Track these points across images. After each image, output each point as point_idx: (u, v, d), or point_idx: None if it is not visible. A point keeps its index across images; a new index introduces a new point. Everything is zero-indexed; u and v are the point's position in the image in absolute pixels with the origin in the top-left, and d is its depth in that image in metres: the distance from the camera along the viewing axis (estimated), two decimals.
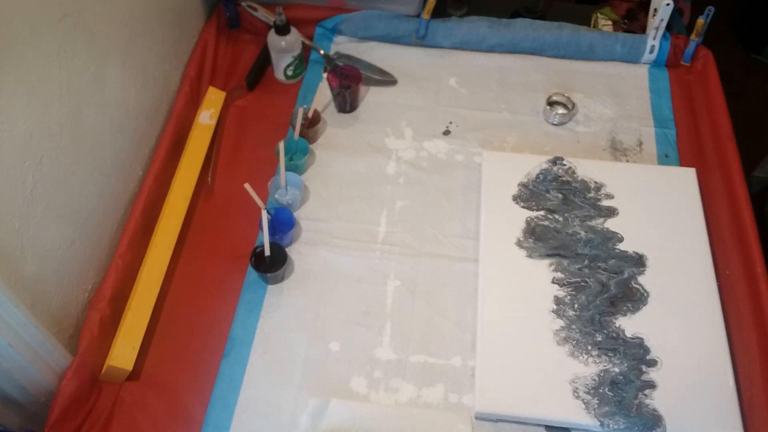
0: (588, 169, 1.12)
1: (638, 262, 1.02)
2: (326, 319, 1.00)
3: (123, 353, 0.93)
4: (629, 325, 0.96)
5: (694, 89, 1.28)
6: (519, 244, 1.04)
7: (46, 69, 0.84)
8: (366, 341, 0.98)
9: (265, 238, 1.00)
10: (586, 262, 1.02)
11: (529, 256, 1.03)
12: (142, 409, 0.93)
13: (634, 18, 1.38)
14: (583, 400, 0.90)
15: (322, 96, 1.27)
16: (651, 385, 0.91)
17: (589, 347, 0.94)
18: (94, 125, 0.97)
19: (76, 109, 0.91)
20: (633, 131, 1.22)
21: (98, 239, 1.01)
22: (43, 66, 0.83)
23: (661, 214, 1.07)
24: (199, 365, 0.96)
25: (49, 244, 0.88)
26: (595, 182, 1.11)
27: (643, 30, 1.33)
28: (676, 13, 1.36)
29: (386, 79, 1.29)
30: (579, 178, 1.11)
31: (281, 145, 1.09)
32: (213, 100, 1.23)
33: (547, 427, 0.91)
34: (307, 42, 1.31)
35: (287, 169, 1.09)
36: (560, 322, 0.97)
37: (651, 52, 1.30)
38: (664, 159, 1.18)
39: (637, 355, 0.93)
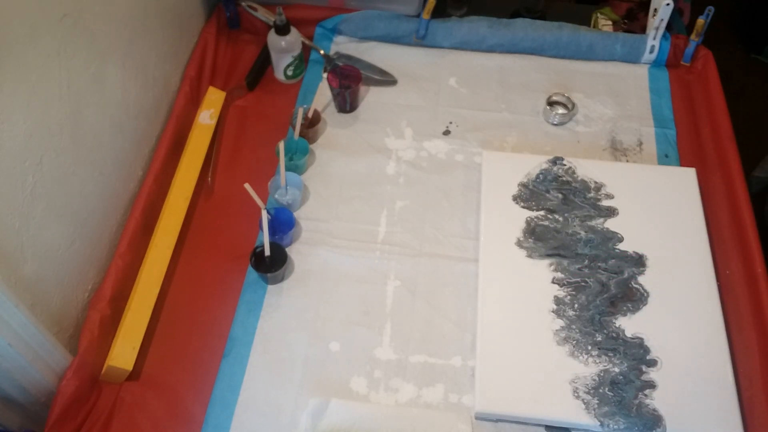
0: (588, 169, 1.12)
1: (638, 262, 1.02)
2: (326, 319, 1.00)
3: (123, 353, 0.93)
4: (629, 325, 0.96)
5: (694, 89, 1.28)
6: (519, 244, 1.04)
7: (46, 69, 0.84)
8: (366, 341, 0.98)
9: (265, 238, 1.00)
10: (586, 262, 1.02)
11: (529, 256, 1.03)
12: (142, 409, 0.93)
13: (634, 18, 1.38)
14: (583, 400, 0.90)
15: (322, 96, 1.27)
16: (651, 385, 0.91)
17: (589, 347, 0.94)
18: (94, 125, 0.97)
19: (76, 109, 0.91)
20: (633, 131, 1.22)
21: (98, 239, 1.01)
22: (43, 66, 0.83)
23: (661, 214, 1.07)
24: (199, 365, 0.96)
25: (49, 244, 0.88)
26: (595, 182, 1.11)
27: (643, 30, 1.33)
28: (676, 13, 1.36)
29: (386, 79, 1.29)
30: (579, 178, 1.11)
31: (281, 145, 1.09)
32: (213, 100, 1.23)
33: (547, 427, 0.91)
34: (307, 42, 1.31)
35: (287, 169, 1.09)
36: (560, 322, 0.97)
37: (651, 52, 1.30)
38: (664, 159, 1.18)
39: (637, 355, 0.93)
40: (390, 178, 1.16)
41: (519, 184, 1.11)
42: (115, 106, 1.03)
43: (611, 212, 1.07)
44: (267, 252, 1.00)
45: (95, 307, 0.95)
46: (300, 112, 1.16)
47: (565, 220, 1.07)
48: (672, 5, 1.22)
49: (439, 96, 1.28)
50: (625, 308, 0.98)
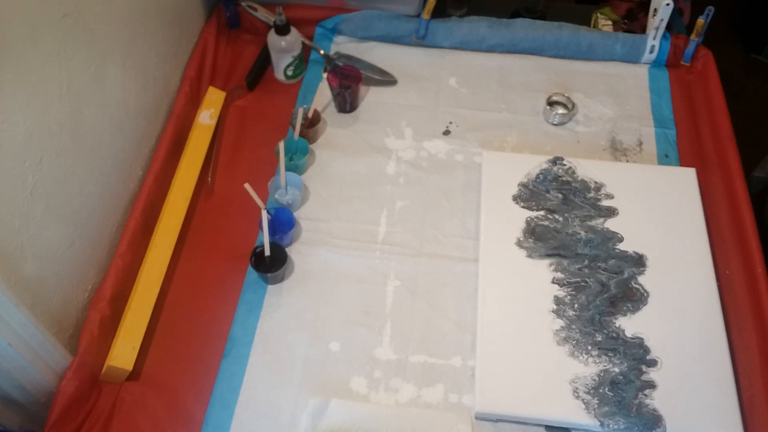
0: (588, 169, 1.12)
1: (638, 262, 1.02)
2: (326, 319, 1.00)
3: (123, 353, 0.93)
4: (629, 325, 0.96)
5: (694, 89, 1.28)
6: (519, 244, 1.04)
7: (46, 69, 0.84)
8: (366, 341, 0.98)
9: (265, 238, 1.00)
10: (586, 262, 1.02)
11: (529, 256, 1.03)
12: (142, 409, 0.93)
13: (634, 18, 1.38)
14: (583, 400, 0.90)
15: (322, 96, 1.27)
16: (651, 385, 0.91)
17: (589, 347, 0.94)
18: (94, 125, 0.97)
19: (76, 109, 0.91)
20: (633, 131, 1.22)
21: (98, 239, 1.01)
22: (43, 66, 0.83)
23: (661, 214, 1.07)
24: (199, 365, 0.96)
25: (49, 244, 0.88)
26: (595, 182, 1.11)
27: (643, 30, 1.33)
28: (676, 13, 1.36)
29: (386, 79, 1.29)
30: (579, 178, 1.11)
31: (281, 145, 1.09)
32: (213, 100, 1.23)
33: (547, 427, 0.91)
34: (307, 42, 1.31)
35: (287, 169, 1.09)
36: (560, 322, 0.97)
37: (651, 52, 1.30)
38: (664, 159, 1.18)
39: (637, 355, 0.93)
40: (390, 178, 1.16)
41: (519, 184, 1.11)
42: (115, 106, 1.03)
43: (611, 212, 1.07)
44: (267, 252, 1.00)
45: (95, 307, 0.95)
46: (300, 112, 1.16)
47: (565, 220, 1.07)
48: (672, 5, 1.22)
49: (439, 96, 1.28)
50: (625, 308, 0.98)
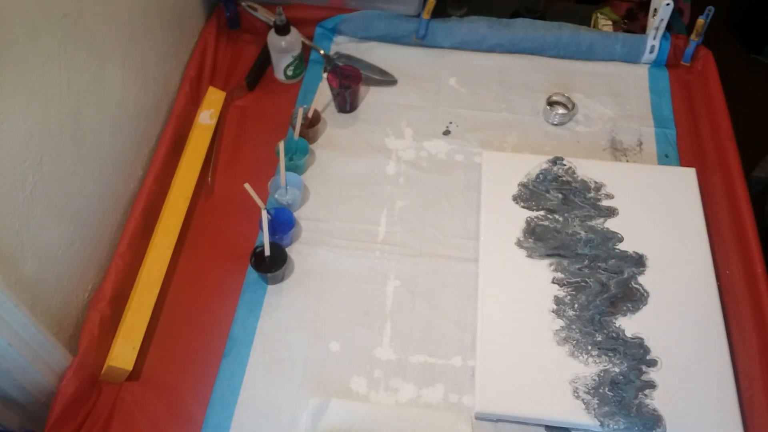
0: (588, 169, 1.12)
1: (638, 262, 1.02)
2: (326, 319, 1.00)
3: (123, 353, 0.93)
4: (629, 325, 0.96)
5: (694, 89, 1.28)
6: (519, 244, 1.04)
7: (46, 69, 0.84)
8: (366, 341, 0.98)
9: (265, 238, 1.00)
10: (586, 262, 1.02)
11: (529, 256, 1.03)
12: (142, 409, 0.93)
13: (634, 18, 1.38)
14: (583, 400, 0.90)
15: (322, 96, 1.27)
16: (651, 385, 0.91)
17: (589, 347, 0.94)
18: (94, 125, 0.97)
19: (76, 109, 0.91)
20: (633, 131, 1.22)
21: (98, 239, 1.01)
22: (43, 66, 0.83)
23: (661, 214, 1.07)
24: (199, 365, 0.96)
25: (49, 244, 0.88)
26: (595, 182, 1.11)
27: (643, 30, 1.33)
28: (676, 13, 1.36)
29: (386, 79, 1.29)
30: (579, 178, 1.11)
31: (281, 145, 1.09)
32: (213, 100, 1.23)
33: (547, 427, 0.91)
34: (307, 42, 1.31)
35: (287, 169, 1.09)
36: (560, 322, 0.97)
37: (651, 52, 1.30)
38: (664, 159, 1.18)
39: (637, 355, 0.93)
40: (390, 178, 1.16)
41: (519, 184, 1.11)
42: (115, 106, 1.03)
43: (611, 212, 1.07)
44: (267, 252, 1.00)
45: (95, 307, 0.95)
46: (300, 112, 1.16)
47: (565, 220, 1.07)
48: (672, 5, 1.22)
49: (439, 96, 1.28)
50: (625, 308, 0.98)
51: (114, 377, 0.94)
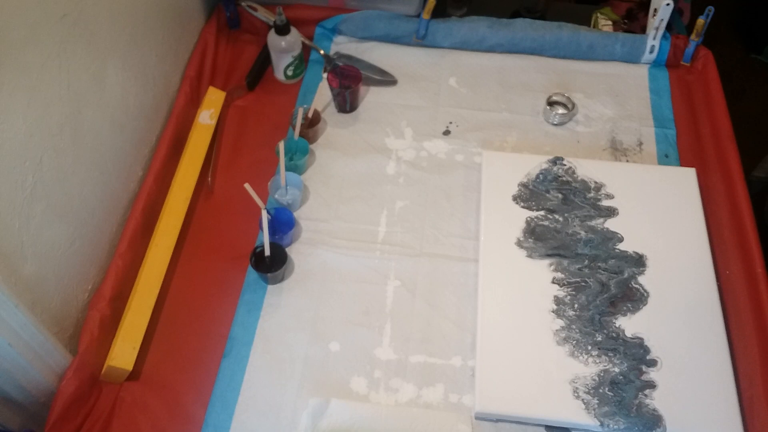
0: (588, 169, 1.12)
1: (638, 262, 1.02)
2: (326, 319, 1.00)
3: (123, 353, 0.93)
4: (629, 325, 0.96)
5: (694, 89, 1.28)
6: (519, 244, 1.04)
7: (46, 69, 0.84)
8: (366, 341, 0.98)
9: (265, 238, 1.00)
10: (586, 262, 1.02)
11: (529, 256, 1.03)
12: (142, 409, 0.93)
13: (634, 18, 1.38)
14: (583, 400, 0.90)
15: (322, 96, 1.27)
16: (651, 385, 0.91)
17: (589, 347, 0.94)
18: (94, 125, 0.97)
19: (76, 109, 0.91)
20: (633, 131, 1.22)
21: (98, 239, 1.01)
22: (43, 66, 0.83)
23: (661, 214, 1.07)
24: (199, 365, 0.96)
25: (49, 244, 0.88)
26: (595, 182, 1.11)
27: (643, 30, 1.33)
28: (676, 13, 1.36)
29: (386, 79, 1.29)
30: (579, 178, 1.11)
31: (281, 145, 1.09)
32: (213, 100, 1.23)
33: (547, 427, 0.91)
34: (307, 42, 1.31)
35: (287, 169, 1.09)
36: (560, 322, 0.97)
37: (651, 52, 1.30)
38: (664, 159, 1.18)
39: (637, 355, 0.93)
40: (390, 178, 1.16)
41: (519, 184, 1.11)
42: (115, 106, 1.03)
43: (611, 212, 1.07)
44: (267, 252, 1.00)
45: (95, 307, 0.95)
46: (300, 112, 1.16)
47: (565, 220, 1.07)
48: (672, 5, 1.22)
49: (439, 96, 1.28)
50: (625, 308, 0.98)
51: (114, 377, 0.94)
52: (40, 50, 0.82)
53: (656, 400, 0.90)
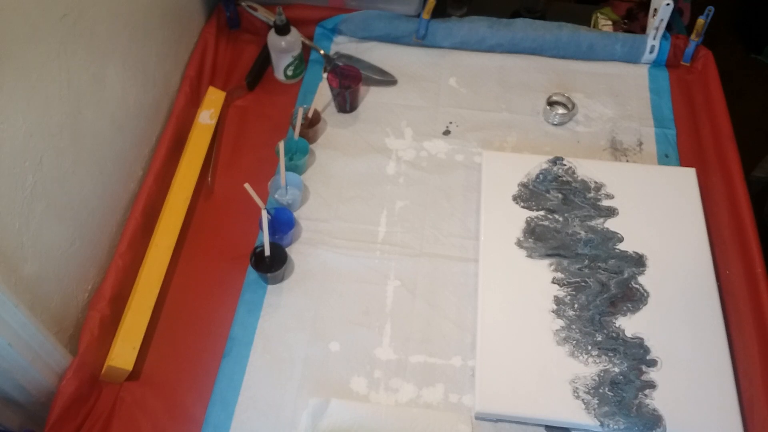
0: (588, 169, 1.12)
1: (638, 262, 1.02)
2: (326, 319, 1.00)
3: (123, 353, 0.93)
4: (629, 325, 0.96)
5: (694, 89, 1.28)
6: (519, 244, 1.04)
7: (46, 69, 0.84)
8: (366, 341, 0.98)
9: (265, 238, 1.00)
10: (586, 262, 1.02)
11: (529, 256, 1.03)
12: (142, 409, 0.93)
13: (634, 18, 1.38)
14: (583, 400, 0.90)
15: (322, 96, 1.27)
16: (651, 385, 0.91)
17: (589, 347, 0.94)
18: (94, 125, 0.97)
19: (76, 109, 0.91)
20: (633, 131, 1.22)
21: (98, 239, 1.01)
22: (43, 66, 0.83)
23: (661, 214, 1.07)
24: (199, 365, 0.96)
25: (49, 244, 0.88)
26: (595, 182, 1.11)
27: (643, 30, 1.33)
28: (676, 13, 1.36)
29: (386, 79, 1.29)
30: (579, 178, 1.11)
31: (281, 145, 1.09)
32: (213, 100, 1.23)
33: (547, 427, 0.91)
34: (307, 42, 1.31)
35: (287, 169, 1.09)
36: (560, 322, 0.97)
37: (651, 52, 1.30)
38: (664, 159, 1.18)
39: (637, 355, 0.93)
40: (390, 178, 1.16)
41: (519, 184, 1.11)
42: (115, 106, 1.03)
43: (611, 212, 1.07)
44: (267, 252, 1.00)
45: (95, 307, 0.95)
46: (300, 112, 1.16)
47: (565, 220, 1.07)
48: (672, 5, 1.22)
49: (439, 96, 1.28)
50: (625, 308, 0.98)
51: (114, 377, 0.94)
52: (40, 50, 0.82)
53: (656, 400, 0.90)
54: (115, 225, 1.06)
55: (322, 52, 1.31)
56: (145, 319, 0.97)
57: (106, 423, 0.91)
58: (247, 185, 1.03)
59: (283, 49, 1.23)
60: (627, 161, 1.18)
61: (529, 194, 1.10)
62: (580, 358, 0.93)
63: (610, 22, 1.37)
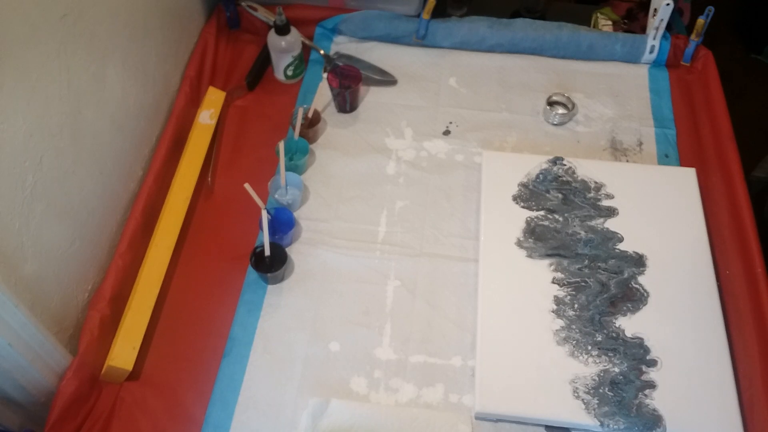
0: (588, 169, 1.12)
1: (638, 262, 1.02)
2: (326, 319, 1.00)
3: (123, 353, 0.93)
4: (629, 325, 0.96)
5: (694, 89, 1.28)
6: (519, 244, 1.04)
7: (46, 69, 0.84)
8: (366, 341, 0.98)
9: (265, 238, 1.00)
10: (586, 262, 1.02)
11: (529, 256, 1.03)
12: (142, 409, 0.93)
13: (634, 18, 1.38)
14: (583, 400, 0.90)
15: (322, 96, 1.27)
16: (651, 385, 0.91)
17: (589, 347, 0.94)
18: (94, 125, 0.97)
19: (76, 109, 0.91)
20: (633, 131, 1.22)
21: (98, 239, 1.01)
22: (43, 66, 0.83)
23: (661, 214, 1.07)
24: (199, 365, 0.96)
25: (49, 244, 0.88)
26: (595, 182, 1.11)
27: (643, 30, 1.33)
28: (676, 13, 1.36)
29: (386, 79, 1.29)
30: (579, 178, 1.11)
31: (281, 145, 1.09)
32: (213, 100, 1.23)
33: (547, 427, 0.91)
34: (307, 42, 1.31)
35: (287, 169, 1.09)
36: (560, 322, 0.97)
37: (651, 52, 1.30)
38: (664, 159, 1.18)
39: (637, 355, 0.93)
40: (390, 178, 1.16)
41: (519, 184, 1.11)
42: (115, 106, 1.03)
43: (611, 212, 1.07)
44: (267, 252, 1.00)
45: (95, 307, 0.95)
46: (300, 112, 1.16)
47: (565, 220, 1.07)
48: (672, 5, 1.22)
49: (439, 96, 1.28)
50: (625, 308, 0.98)
51: (114, 377, 0.94)
52: (40, 50, 0.82)
53: (656, 400, 0.90)
54: (115, 225, 1.06)
55: (322, 52, 1.31)
56: (145, 319, 0.97)
57: (106, 423, 0.91)
58: (247, 185, 1.03)
59: (283, 49, 1.23)
60: (627, 161, 1.18)
61: (529, 194, 1.10)
62: (580, 358, 0.93)
63: (610, 22, 1.37)
